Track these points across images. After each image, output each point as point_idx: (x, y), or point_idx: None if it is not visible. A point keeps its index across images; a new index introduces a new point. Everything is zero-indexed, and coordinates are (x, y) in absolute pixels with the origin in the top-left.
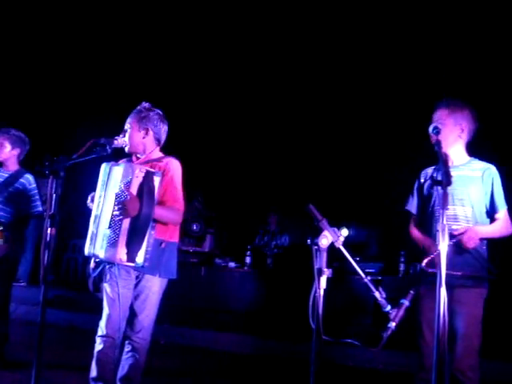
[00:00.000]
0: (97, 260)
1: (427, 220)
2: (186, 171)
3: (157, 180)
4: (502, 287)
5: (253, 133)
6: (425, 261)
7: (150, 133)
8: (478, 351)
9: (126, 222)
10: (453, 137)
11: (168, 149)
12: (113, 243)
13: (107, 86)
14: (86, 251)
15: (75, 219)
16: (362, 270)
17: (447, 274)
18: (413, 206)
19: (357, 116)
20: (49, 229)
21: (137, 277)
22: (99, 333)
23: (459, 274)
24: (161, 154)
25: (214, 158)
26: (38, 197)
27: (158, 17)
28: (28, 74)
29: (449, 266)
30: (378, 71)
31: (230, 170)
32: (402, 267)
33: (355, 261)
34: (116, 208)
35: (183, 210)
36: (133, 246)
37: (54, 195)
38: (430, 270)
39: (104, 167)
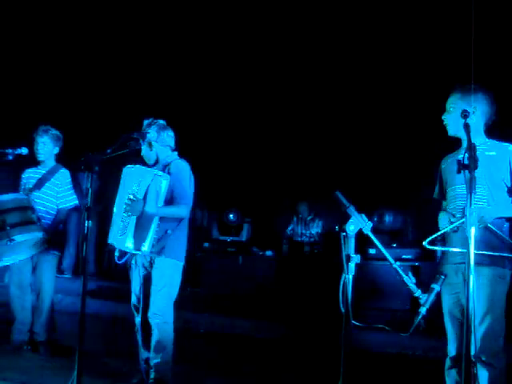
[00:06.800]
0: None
1: (449, 203)
2: (218, 170)
3: (164, 183)
4: None
5: (282, 122)
6: (427, 240)
7: None
8: (500, 336)
9: (133, 219)
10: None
11: (201, 147)
12: (122, 234)
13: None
14: (109, 240)
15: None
16: (398, 256)
17: (464, 254)
18: (437, 193)
19: (390, 99)
20: (86, 222)
21: (150, 263)
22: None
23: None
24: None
25: (245, 152)
26: (73, 191)
27: (154, 21)
28: (57, 68)
29: (464, 245)
30: (402, 60)
31: (260, 161)
32: (439, 253)
33: (391, 247)
34: (125, 206)
35: (191, 204)
36: (138, 237)
37: (90, 189)
38: (430, 248)
39: (123, 170)
